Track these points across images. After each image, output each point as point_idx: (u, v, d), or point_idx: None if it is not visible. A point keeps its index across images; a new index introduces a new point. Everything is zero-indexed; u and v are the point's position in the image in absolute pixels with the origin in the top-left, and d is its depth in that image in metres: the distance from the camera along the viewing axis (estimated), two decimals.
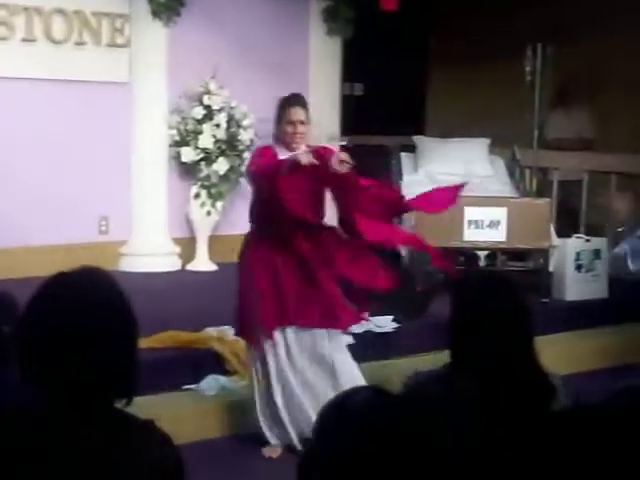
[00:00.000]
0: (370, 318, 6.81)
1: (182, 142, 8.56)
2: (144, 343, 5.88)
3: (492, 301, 2.80)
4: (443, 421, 2.55)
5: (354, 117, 10.31)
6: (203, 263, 8.78)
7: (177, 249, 8.76)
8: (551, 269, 7.83)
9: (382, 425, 1.67)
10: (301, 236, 4.88)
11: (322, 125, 9.44)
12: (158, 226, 8.65)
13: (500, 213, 7.66)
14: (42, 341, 1.98)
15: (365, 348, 6.40)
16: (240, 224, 9.26)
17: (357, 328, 6.61)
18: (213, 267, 8.78)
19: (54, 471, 1.92)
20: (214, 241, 8.90)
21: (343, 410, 1.71)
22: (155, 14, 8.37)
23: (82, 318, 1.97)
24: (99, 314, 1.99)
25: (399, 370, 5.83)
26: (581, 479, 1.89)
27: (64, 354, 1.95)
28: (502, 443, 2.54)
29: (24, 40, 7.95)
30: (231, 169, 8.65)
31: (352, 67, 10.30)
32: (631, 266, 8.56)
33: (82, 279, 2.06)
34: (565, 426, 2.15)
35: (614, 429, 1.94)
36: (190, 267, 8.76)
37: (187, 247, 8.80)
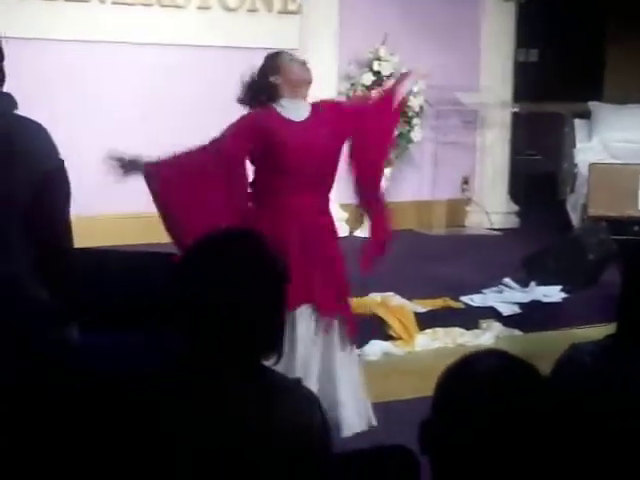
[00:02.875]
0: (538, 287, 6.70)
1: None
2: None
3: None
4: (600, 398, 2.48)
5: (529, 84, 10.09)
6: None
7: (345, 215, 8.79)
8: None
9: (512, 391, 1.64)
10: None
11: (494, 92, 9.30)
12: None
13: None
14: (194, 297, 2.02)
15: (531, 318, 6.30)
16: (409, 191, 9.29)
17: (523, 298, 6.51)
18: None
19: (201, 427, 1.96)
20: None
21: (472, 373, 1.69)
22: None
23: (233, 275, 2.00)
24: (249, 272, 2.02)
25: (566, 341, 5.70)
26: None
27: (216, 310, 1.99)
28: None
29: (199, 8, 8.13)
30: (400, 135, 8.60)
31: (527, 33, 10.06)
32: None
33: (233, 240, 2.09)
34: None
35: None
36: (358, 233, 8.78)
37: (355, 213, 8.81)
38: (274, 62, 4.69)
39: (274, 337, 2.06)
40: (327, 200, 4.65)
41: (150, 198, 4.35)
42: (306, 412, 2.03)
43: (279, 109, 4.56)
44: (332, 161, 4.53)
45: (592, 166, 7.79)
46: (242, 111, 7.90)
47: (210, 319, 1.99)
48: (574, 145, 8.93)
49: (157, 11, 7.95)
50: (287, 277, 2.09)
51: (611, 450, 2.35)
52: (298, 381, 2.08)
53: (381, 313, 5.91)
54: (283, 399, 2.01)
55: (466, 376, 1.71)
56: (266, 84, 4.65)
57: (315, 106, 4.62)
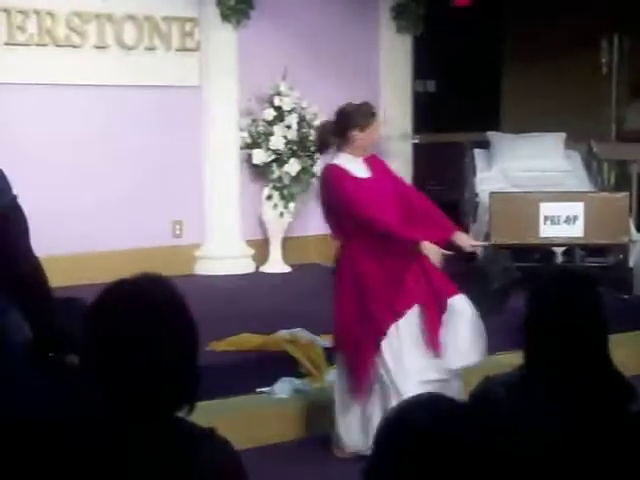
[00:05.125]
0: None
1: (253, 144, 8.56)
2: (217, 346, 5.90)
3: (569, 300, 2.69)
4: (513, 432, 2.49)
5: (427, 114, 10.21)
6: (276, 265, 8.78)
7: (250, 251, 8.76)
8: (631, 265, 7.64)
9: (441, 443, 1.63)
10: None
11: (394, 123, 9.38)
12: (231, 229, 8.66)
13: (577, 208, 7.50)
14: (101, 347, 1.96)
15: None
16: (313, 225, 9.28)
17: None
18: (286, 269, 8.76)
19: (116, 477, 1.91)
20: (287, 243, 8.89)
21: (403, 425, 1.68)
22: (225, 17, 8.37)
23: (140, 324, 1.95)
24: (157, 320, 1.97)
25: (474, 370, 5.73)
26: None
27: (122, 360, 1.94)
28: (580, 447, 2.46)
29: (96, 47, 8.03)
30: (303, 170, 8.62)
31: (424, 64, 10.20)
32: None
33: (142, 285, 2.04)
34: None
35: None
36: (264, 269, 8.76)
37: (260, 249, 8.80)
38: (360, 115, 4.96)
39: (187, 388, 2.00)
40: None
41: None
42: (221, 460, 1.99)
43: (343, 165, 4.95)
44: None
45: (493, 195, 7.89)
46: (137, 150, 7.79)
47: (121, 369, 1.93)
48: (474, 174, 9.05)
49: (52, 51, 7.83)
50: (195, 327, 2.03)
51: None
52: (212, 430, 2.03)
53: (290, 350, 5.86)
54: (197, 448, 1.96)
55: (398, 425, 1.70)
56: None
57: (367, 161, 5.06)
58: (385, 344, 4.93)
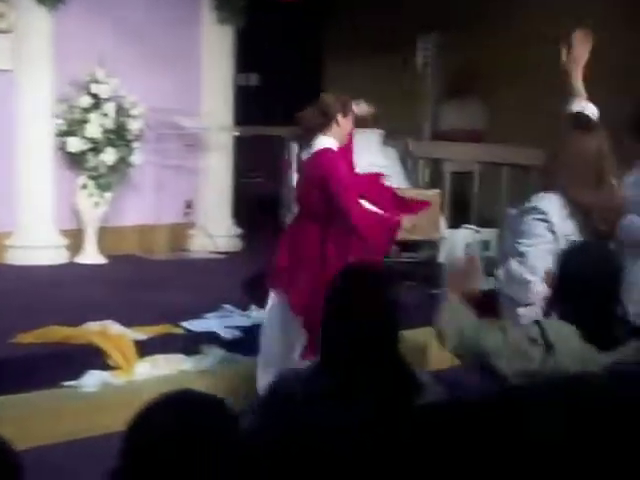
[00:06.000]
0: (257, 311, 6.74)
1: (69, 132, 8.33)
2: (24, 339, 5.72)
3: (360, 296, 2.75)
4: (309, 428, 2.51)
5: (250, 108, 10.21)
6: (91, 255, 8.59)
7: (64, 241, 8.54)
8: (441, 260, 7.85)
9: (198, 433, 1.65)
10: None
11: (215, 115, 9.34)
12: (44, 217, 8.41)
13: None
14: None
15: (253, 341, 6.31)
16: (129, 215, 9.13)
17: (244, 321, 6.53)
18: (102, 260, 8.58)
19: None
20: (103, 233, 8.70)
21: (157, 421, 1.69)
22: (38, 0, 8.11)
23: None
24: None
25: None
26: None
27: None
28: (375, 442, 2.50)
29: None
30: (120, 159, 8.46)
31: (248, 57, 10.19)
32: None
33: None
34: (423, 421, 2.12)
35: (471, 422, 1.92)
36: (78, 259, 8.55)
37: (75, 239, 8.59)
38: (341, 103, 5.34)
39: None
40: None
41: None
42: None
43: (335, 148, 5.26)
44: None
45: None
46: None
47: None
48: (292, 168, 9.09)
49: None
50: None
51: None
52: None
53: (98, 342, 5.73)
54: None
55: (151, 425, 1.71)
56: None
57: None
58: None
